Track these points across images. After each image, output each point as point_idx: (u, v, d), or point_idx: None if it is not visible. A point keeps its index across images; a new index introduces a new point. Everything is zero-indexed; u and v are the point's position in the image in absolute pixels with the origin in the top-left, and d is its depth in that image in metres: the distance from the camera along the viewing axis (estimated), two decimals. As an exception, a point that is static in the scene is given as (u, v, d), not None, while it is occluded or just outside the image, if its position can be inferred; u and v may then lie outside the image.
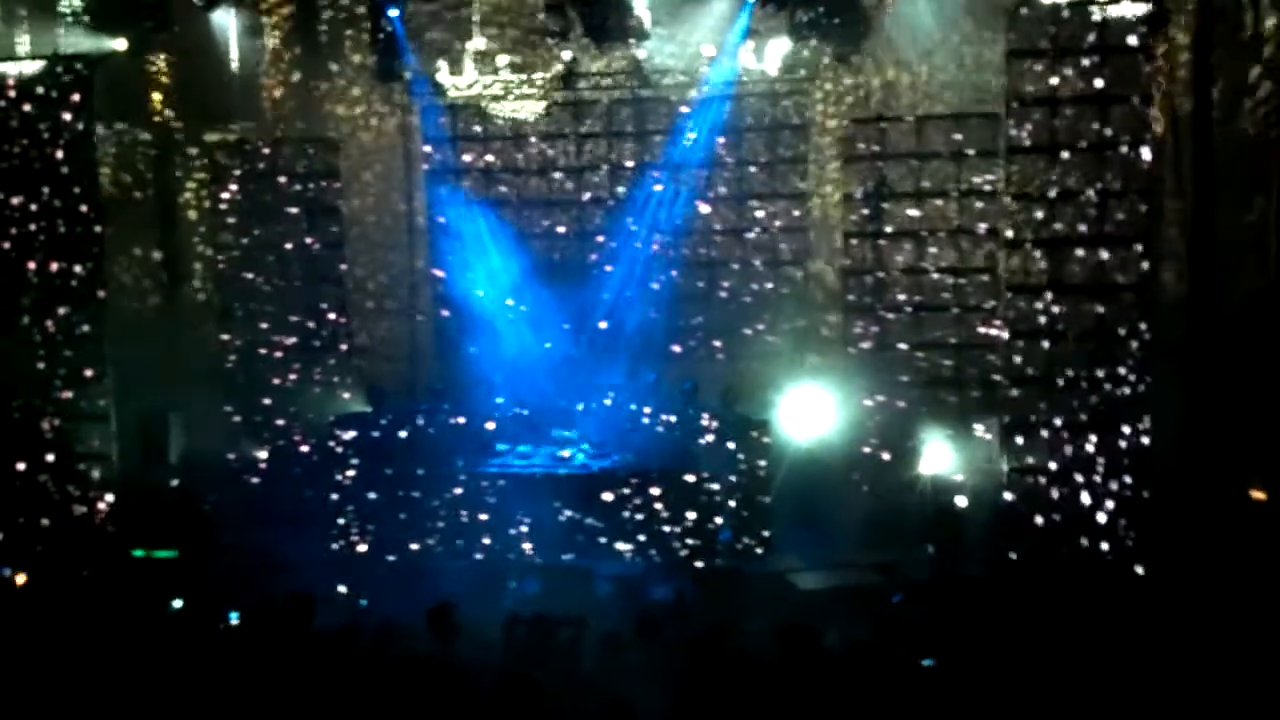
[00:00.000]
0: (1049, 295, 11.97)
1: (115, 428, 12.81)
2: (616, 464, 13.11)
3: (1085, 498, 11.81)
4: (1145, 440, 11.68)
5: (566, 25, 13.59)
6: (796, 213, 14.69)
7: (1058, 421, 11.95)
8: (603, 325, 14.99)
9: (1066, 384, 11.94)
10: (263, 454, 14.21)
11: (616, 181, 15.09)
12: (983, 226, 13.65)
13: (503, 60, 14.42)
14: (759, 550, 12.35)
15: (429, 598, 8.93)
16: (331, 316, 14.90)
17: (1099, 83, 11.85)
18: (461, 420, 13.86)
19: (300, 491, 13.04)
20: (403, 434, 13.47)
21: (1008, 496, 12.04)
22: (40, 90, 12.55)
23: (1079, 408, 11.90)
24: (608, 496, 12.43)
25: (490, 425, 13.94)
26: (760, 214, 14.76)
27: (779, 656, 7.28)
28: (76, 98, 12.58)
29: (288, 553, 11.80)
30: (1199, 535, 10.91)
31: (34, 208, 12.57)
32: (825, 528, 12.56)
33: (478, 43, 14.29)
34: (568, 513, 12.37)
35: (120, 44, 12.65)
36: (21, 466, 12.44)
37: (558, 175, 15.19)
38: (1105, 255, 11.86)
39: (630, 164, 15.03)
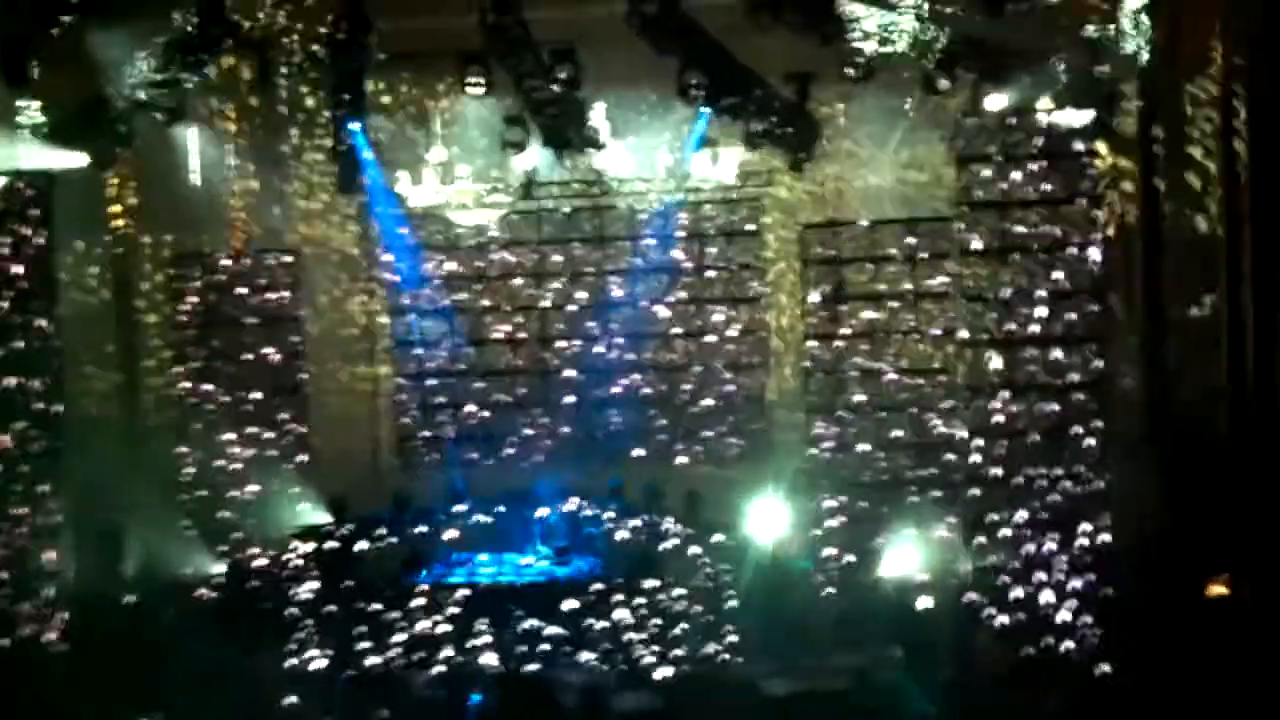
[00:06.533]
0: (1005, 394, 12.10)
1: (71, 543, 12.60)
2: (579, 571, 13.01)
3: (1048, 596, 11.81)
4: (1106, 537, 11.73)
5: (526, 136, 13.78)
6: (755, 316, 14.85)
7: (1019, 520, 11.99)
8: (565, 430, 15.01)
9: (1026, 482, 12.00)
10: (220, 568, 14.00)
11: (577, 287, 15.21)
12: (938, 328, 13.82)
13: (463, 171, 14.59)
14: (726, 656, 12.23)
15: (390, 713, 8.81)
16: (291, 427, 14.84)
17: (1047, 186, 12.12)
18: (423, 530, 13.75)
19: (258, 606, 12.83)
20: (363, 545, 13.34)
21: (972, 596, 12.02)
22: (0, 205, 12.57)
23: (1040, 506, 11.95)
24: (571, 604, 12.32)
25: (453, 534, 13.83)
26: (719, 318, 14.90)
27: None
28: (36, 212, 12.59)
29: (246, 668, 11.62)
30: (1163, 633, 10.90)
31: (-10, 323, 12.49)
32: (792, 631, 12.46)
33: (438, 154, 14.46)
34: (530, 622, 12.25)
35: (81, 158, 12.69)
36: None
37: (519, 282, 15.29)
38: (1059, 354, 12.02)
39: (590, 269, 15.17)
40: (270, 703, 10.63)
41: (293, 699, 10.64)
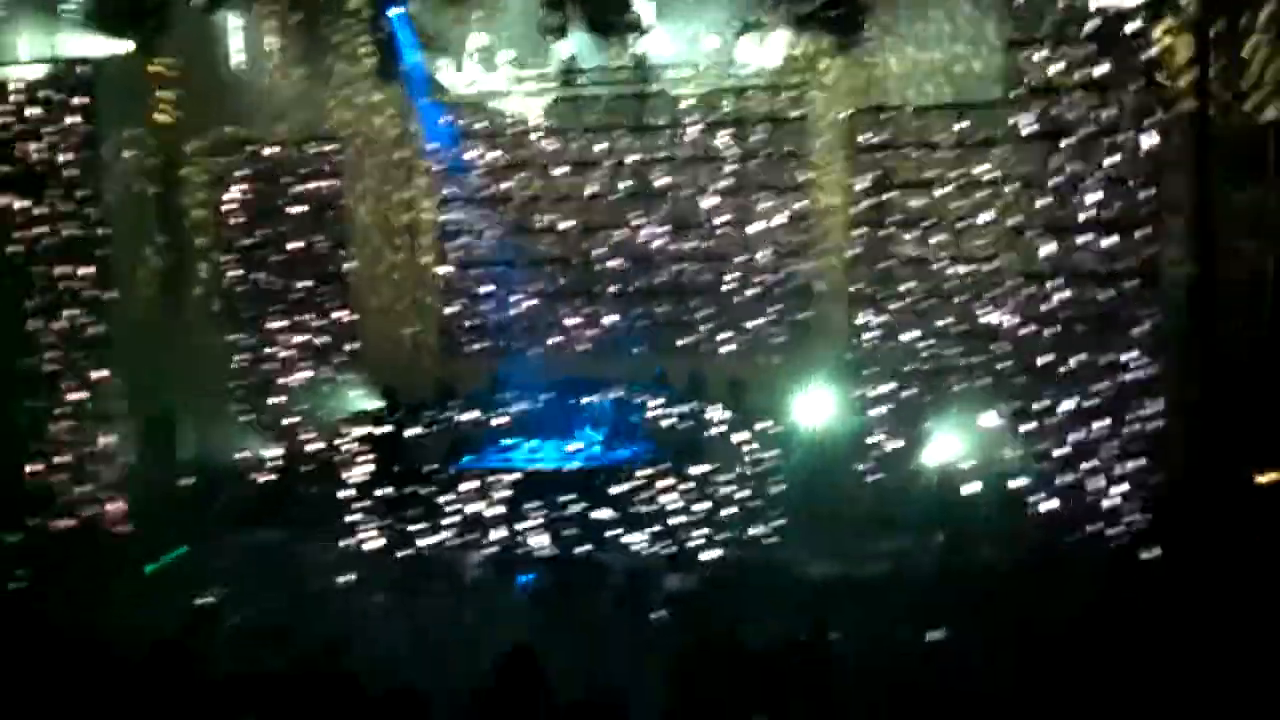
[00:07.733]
0: (1055, 282, 12.00)
1: (126, 429, 12.84)
2: (626, 457, 13.15)
3: (1094, 483, 11.84)
4: (1154, 425, 11.71)
5: (567, 21, 13.60)
6: (800, 205, 14.72)
7: (1066, 408, 11.97)
8: (609, 319, 15.05)
9: (1074, 370, 11.96)
10: (272, 453, 14.25)
11: (619, 176, 15.11)
12: (987, 215, 13.67)
13: (504, 57, 14.45)
14: (769, 540, 12.39)
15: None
16: (338, 315, 14.95)
17: (1099, 70, 11.88)
18: (471, 416, 13.90)
19: (310, 489, 13.09)
20: (412, 431, 13.51)
21: (1016, 484, 12.07)
22: (44, 94, 12.57)
23: (1087, 394, 11.93)
24: (617, 489, 12.48)
25: (500, 420, 13.98)
26: (764, 206, 14.79)
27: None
28: (80, 101, 12.59)
29: (298, 551, 11.93)
30: (1209, 520, 10.93)
31: (39, 211, 12.56)
32: (835, 517, 12.59)
33: (479, 40, 14.32)
34: (578, 506, 12.43)
35: (123, 46, 12.64)
36: (32, 469, 12.45)
37: (561, 170, 15.21)
38: (1110, 241, 11.89)
39: (633, 158, 15.05)
40: (324, 583, 10.92)
41: (347, 579, 10.93)
